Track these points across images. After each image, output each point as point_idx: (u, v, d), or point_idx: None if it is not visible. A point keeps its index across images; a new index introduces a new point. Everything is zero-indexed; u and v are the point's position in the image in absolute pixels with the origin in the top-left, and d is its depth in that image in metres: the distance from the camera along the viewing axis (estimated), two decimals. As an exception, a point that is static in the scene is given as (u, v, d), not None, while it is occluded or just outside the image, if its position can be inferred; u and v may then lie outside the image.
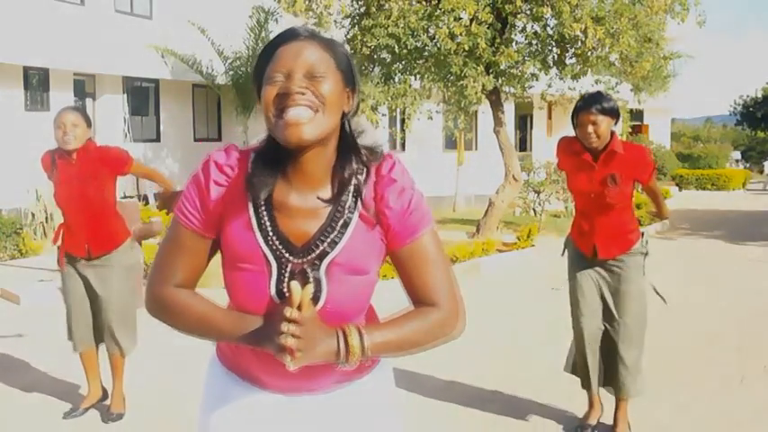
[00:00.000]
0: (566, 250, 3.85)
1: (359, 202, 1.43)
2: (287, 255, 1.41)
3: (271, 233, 1.41)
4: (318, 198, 1.42)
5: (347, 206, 1.42)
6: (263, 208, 1.42)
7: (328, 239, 1.41)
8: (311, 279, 1.40)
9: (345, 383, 1.53)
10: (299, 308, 1.32)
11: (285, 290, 1.39)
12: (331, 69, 1.40)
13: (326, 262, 1.41)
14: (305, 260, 1.41)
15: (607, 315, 3.65)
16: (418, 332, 1.44)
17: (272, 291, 1.41)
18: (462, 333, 1.51)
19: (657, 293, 3.74)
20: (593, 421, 3.85)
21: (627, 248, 3.59)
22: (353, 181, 1.43)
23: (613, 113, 3.47)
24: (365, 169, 1.45)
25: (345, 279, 1.42)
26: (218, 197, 1.43)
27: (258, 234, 1.42)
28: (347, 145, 1.45)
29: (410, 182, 1.47)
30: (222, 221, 1.45)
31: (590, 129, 3.44)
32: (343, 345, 1.35)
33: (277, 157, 1.42)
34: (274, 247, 1.41)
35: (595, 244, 3.61)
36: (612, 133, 3.53)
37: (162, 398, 4.41)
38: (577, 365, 3.82)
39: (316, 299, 1.40)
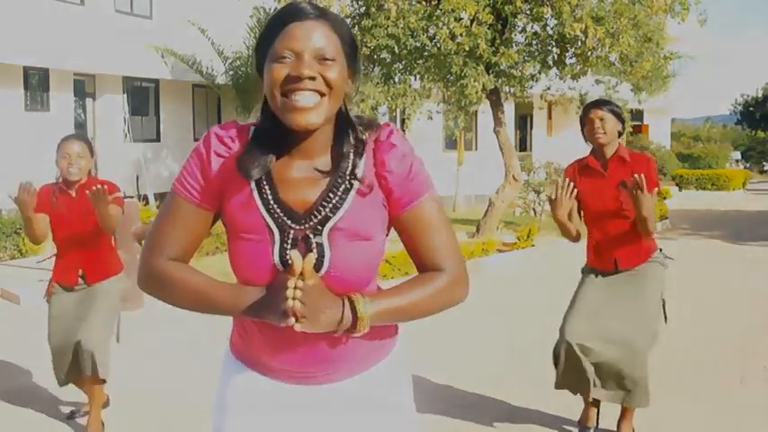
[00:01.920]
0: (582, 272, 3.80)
1: (359, 169, 1.45)
2: (289, 222, 1.42)
3: (272, 201, 1.43)
4: (318, 170, 1.44)
5: (347, 173, 1.44)
6: (264, 179, 1.44)
7: (330, 205, 1.43)
8: (314, 245, 1.41)
9: (357, 372, 1.52)
10: (302, 276, 1.33)
11: (288, 258, 1.40)
12: (338, 53, 1.42)
13: (329, 227, 1.42)
14: (307, 226, 1.42)
15: (617, 327, 3.51)
16: (425, 297, 1.47)
17: (276, 259, 1.41)
18: (466, 297, 1.54)
19: (663, 311, 3.68)
20: (591, 423, 3.83)
21: (645, 257, 3.59)
22: (352, 150, 1.46)
23: (620, 117, 3.61)
24: (363, 139, 1.47)
25: (348, 244, 1.43)
26: (219, 169, 1.45)
27: (260, 203, 1.43)
28: (343, 119, 1.49)
29: (410, 148, 1.49)
30: (223, 194, 1.46)
31: (597, 124, 3.55)
32: (350, 312, 1.37)
33: (275, 135, 1.44)
34: (276, 215, 1.42)
35: (616, 258, 3.59)
36: (618, 143, 3.62)
37: (160, 397, 4.41)
38: (560, 368, 3.60)
39: (319, 265, 1.41)
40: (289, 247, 1.41)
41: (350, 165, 1.45)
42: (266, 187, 1.43)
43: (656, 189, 3.51)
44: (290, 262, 1.37)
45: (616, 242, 3.59)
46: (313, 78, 1.37)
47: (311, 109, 1.38)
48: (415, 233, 1.49)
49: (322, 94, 1.39)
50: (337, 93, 1.41)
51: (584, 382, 3.56)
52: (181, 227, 1.47)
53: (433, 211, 1.50)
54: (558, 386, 3.65)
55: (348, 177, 1.44)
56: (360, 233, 1.44)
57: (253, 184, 1.44)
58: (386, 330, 1.55)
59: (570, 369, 3.56)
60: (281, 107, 1.39)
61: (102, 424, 3.90)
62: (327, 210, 1.42)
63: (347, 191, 1.44)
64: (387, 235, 1.54)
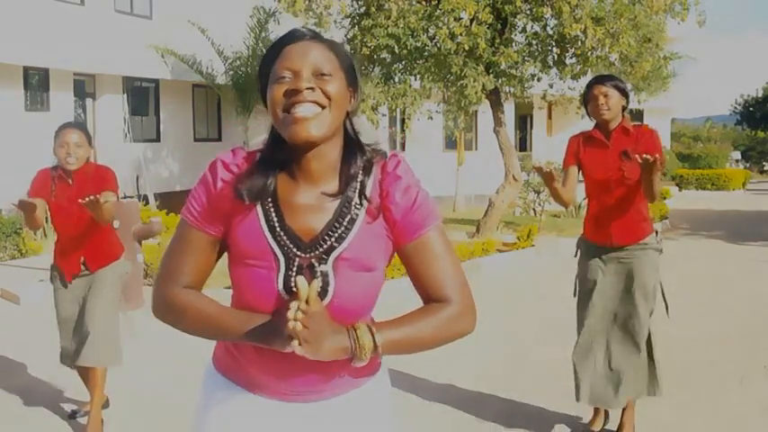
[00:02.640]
0: (578, 251, 3.82)
1: (364, 199, 1.45)
2: (294, 249, 1.42)
3: (278, 228, 1.43)
4: (324, 194, 1.44)
5: (353, 203, 1.44)
6: (270, 204, 1.44)
7: (336, 235, 1.42)
8: (318, 273, 1.41)
9: (345, 391, 1.51)
10: (307, 302, 1.33)
11: (293, 285, 1.39)
12: (336, 69, 1.43)
13: (334, 256, 1.42)
14: (312, 255, 1.42)
15: (616, 313, 3.59)
16: (430, 328, 1.44)
17: (280, 286, 1.41)
18: (474, 328, 1.51)
19: (664, 299, 3.68)
20: (596, 428, 3.82)
21: (641, 237, 3.58)
22: (359, 177, 1.46)
23: (624, 92, 3.59)
24: (370, 166, 1.47)
25: (353, 275, 1.43)
26: (225, 195, 1.44)
27: (266, 229, 1.43)
28: (351, 143, 1.48)
29: (415, 180, 1.49)
30: (229, 219, 1.46)
31: (602, 100, 3.53)
32: (354, 342, 1.36)
33: (278, 158, 1.45)
34: (282, 242, 1.42)
35: (611, 232, 3.60)
36: (622, 116, 3.62)
37: (158, 402, 4.41)
38: (575, 371, 3.66)
39: (323, 293, 1.40)
40: (294, 274, 1.40)
41: (357, 188, 1.45)
42: (273, 213, 1.44)
43: (661, 159, 3.51)
44: (294, 289, 1.36)
45: (614, 215, 3.60)
46: (312, 89, 1.39)
47: (311, 119, 1.38)
48: (421, 264, 1.47)
49: (322, 107, 1.40)
50: (338, 105, 1.42)
51: (602, 390, 3.58)
52: (191, 255, 1.48)
53: (438, 242, 1.48)
54: (580, 398, 3.64)
55: (354, 207, 1.44)
56: (364, 264, 1.44)
57: (259, 210, 1.44)
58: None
59: (589, 376, 3.60)
60: (282, 122, 1.40)
61: (102, 422, 3.90)
62: (333, 239, 1.42)
63: (353, 221, 1.44)
64: (387, 265, 1.53)
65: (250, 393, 1.51)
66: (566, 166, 3.77)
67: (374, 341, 1.37)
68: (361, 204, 1.44)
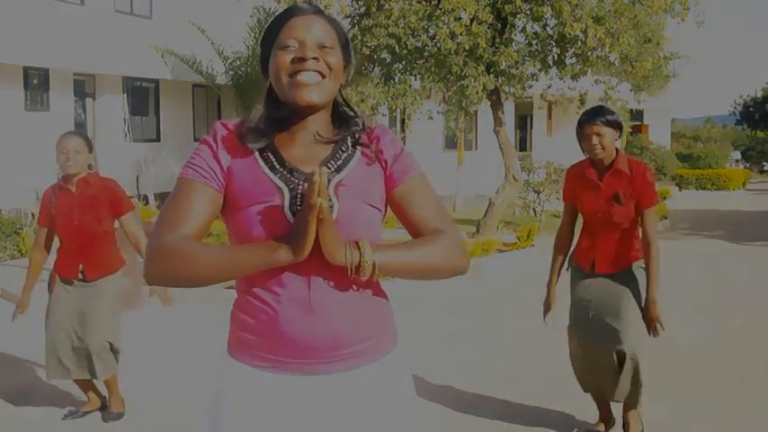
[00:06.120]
0: (569, 267, 3.83)
1: (359, 140, 1.59)
2: (295, 180, 1.50)
3: (278, 166, 1.53)
4: (320, 137, 1.56)
5: (349, 145, 1.59)
6: (268, 152, 1.54)
7: (335, 165, 1.54)
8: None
9: (365, 363, 1.53)
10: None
11: (299, 207, 1.46)
12: (335, 42, 1.56)
13: (334, 183, 1.51)
14: None
15: (604, 326, 3.56)
16: (430, 252, 1.54)
17: (287, 213, 1.47)
18: (468, 267, 1.60)
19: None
20: (601, 428, 3.82)
21: (625, 265, 3.59)
22: (351, 126, 1.60)
23: (616, 125, 3.52)
24: (360, 121, 1.62)
25: (353, 200, 1.51)
26: (225, 150, 1.55)
27: (266, 169, 1.52)
28: (342, 108, 1.63)
29: (397, 136, 1.66)
30: (230, 172, 1.54)
31: (595, 140, 3.48)
32: (357, 253, 1.44)
33: (276, 117, 1.56)
34: (283, 176, 1.51)
35: (594, 259, 3.62)
36: (617, 151, 3.57)
37: (163, 396, 4.41)
38: (578, 378, 3.78)
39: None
40: (298, 201, 1.47)
41: (349, 139, 1.59)
42: (271, 157, 1.53)
43: (655, 204, 3.53)
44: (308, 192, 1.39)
45: (599, 245, 3.62)
46: (316, 59, 1.51)
47: (314, 86, 1.51)
48: (412, 203, 1.59)
49: (323, 76, 1.52)
50: (336, 75, 1.55)
51: (599, 381, 3.64)
52: (190, 206, 1.51)
53: (425, 185, 1.63)
54: (580, 382, 3.80)
55: (350, 147, 1.57)
56: (363, 193, 1.53)
57: (257, 156, 1.53)
58: (388, 322, 1.61)
59: (587, 368, 3.68)
60: (286, 87, 1.52)
61: (122, 400, 4.12)
62: (333, 169, 1.53)
63: (350, 156, 1.56)
64: (384, 215, 1.61)
65: (269, 372, 1.51)
66: (564, 201, 3.84)
67: (374, 257, 1.45)
68: (356, 146, 1.58)
